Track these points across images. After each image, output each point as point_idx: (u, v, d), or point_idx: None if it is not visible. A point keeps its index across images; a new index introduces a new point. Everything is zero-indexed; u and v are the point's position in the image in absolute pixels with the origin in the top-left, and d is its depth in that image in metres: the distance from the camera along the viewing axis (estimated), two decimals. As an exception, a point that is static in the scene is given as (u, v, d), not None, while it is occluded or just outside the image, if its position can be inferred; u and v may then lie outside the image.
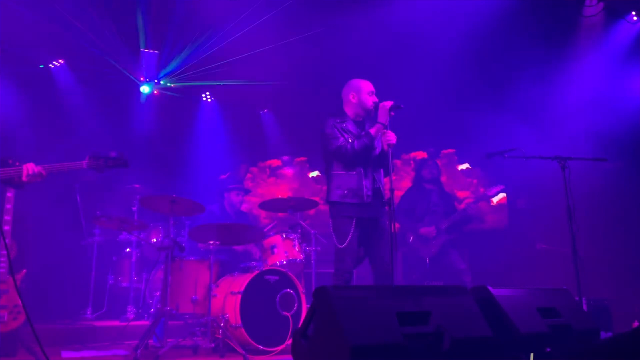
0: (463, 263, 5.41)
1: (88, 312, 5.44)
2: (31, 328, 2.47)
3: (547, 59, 6.20)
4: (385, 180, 3.84)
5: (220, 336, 3.99)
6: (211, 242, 4.35)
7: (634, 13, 5.87)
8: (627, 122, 5.72)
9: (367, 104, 3.85)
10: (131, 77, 7.26)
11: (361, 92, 3.88)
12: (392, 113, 3.69)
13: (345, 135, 3.76)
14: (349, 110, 3.92)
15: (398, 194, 6.77)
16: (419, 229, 5.53)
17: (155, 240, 5.59)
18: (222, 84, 7.54)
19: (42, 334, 2.60)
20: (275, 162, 8.19)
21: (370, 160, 3.78)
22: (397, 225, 3.95)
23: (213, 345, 4.06)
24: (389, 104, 3.69)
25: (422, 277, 5.53)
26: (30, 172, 2.92)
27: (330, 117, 3.85)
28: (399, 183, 7.36)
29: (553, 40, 6.12)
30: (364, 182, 3.69)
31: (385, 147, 3.68)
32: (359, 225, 3.68)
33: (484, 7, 5.81)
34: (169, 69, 7.40)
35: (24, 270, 3.80)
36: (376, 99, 3.86)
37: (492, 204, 5.61)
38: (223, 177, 7.57)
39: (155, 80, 7.50)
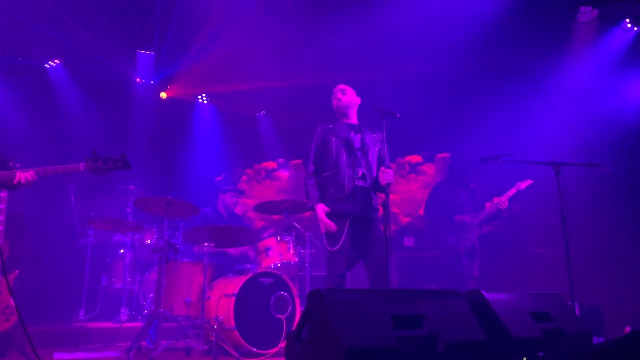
0: (477, 270, 5.33)
1: (81, 314, 5.41)
2: (23, 329, 2.46)
3: (542, 65, 6.23)
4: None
5: (213, 338, 3.98)
6: (206, 244, 4.34)
7: (627, 20, 5.93)
8: (621, 128, 5.76)
9: (333, 107, 3.97)
10: (127, 78, 7.25)
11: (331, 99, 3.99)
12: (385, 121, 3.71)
13: (332, 140, 3.79)
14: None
15: (393, 197, 6.80)
16: (453, 218, 5.42)
17: (149, 241, 5.57)
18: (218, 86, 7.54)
19: (35, 335, 2.59)
20: (270, 165, 8.19)
21: (352, 158, 3.78)
22: (392, 227, 3.93)
23: (206, 347, 4.05)
24: (326, 224, 3.66)
25: (459, 276, 5.37)
26: (23, 181, 2.94)
27: (320, 124, 3.92)
28: (395, 187, 7.37)
29: (547, 46, 6.16)
30: (346, 176, 3.70)
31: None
32: (352, 226, 3.65)
33: (479, 13, 5.84)
34: (165, 70, 7.40)
35: (17, 271, 3.78)
36: (339, 96, 3.91)
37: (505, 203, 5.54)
38: (218, 178, 7.57)
39: (152, 82, 7.49)
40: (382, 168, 3.64)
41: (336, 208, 3.65)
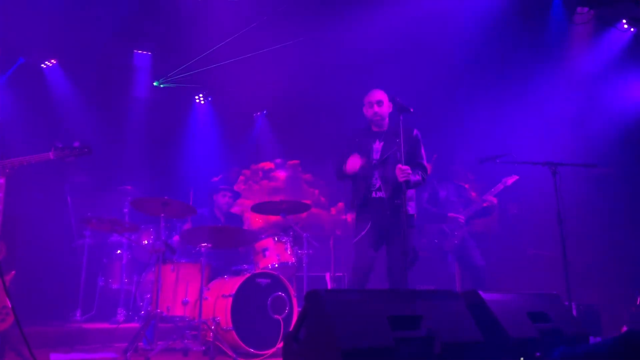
0: (482, 260, 5.30)
1: (77, 314, 5.38)
2: (20, 330, 2.44)
3: (539, 65, 6.25)
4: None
5: (210, 339, 3.97)
6: (203, 244, 4.33)
7: (624, 21, 5.95)
8: (619, 128, 5.78)
9: (367, 115, 4.00)
10: (124, 78, 7.23)
11: (364, 104, 4.00)
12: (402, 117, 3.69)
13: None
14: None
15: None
16: (445, 215, 5.38)
17: (146, 242, 5.55)
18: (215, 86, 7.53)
19: (31, 336, 2.57)
20: (267, 165, 8.18)
21: (369, 171, 3.87)
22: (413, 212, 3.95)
23: (204, 348, 4.04)
24: (357, 162, 3.78)
25: (447, 274, 5.39)
26: None
27: (346, 140, 4.01)
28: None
29: (545, 47, 6.18)
30: (360, 189, 3.86)
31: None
32: (375, 227, 3.79)
33: (477, 15, 5.86)
34: (162, 70, 7.38)
35: (13, 272, 3.77)
36: (376, 109, 3.92)
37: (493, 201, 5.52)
38: (215, 179, 7.55)
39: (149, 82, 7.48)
40: (399, 165, 3.63)
41: (357, 214, 3.91)
